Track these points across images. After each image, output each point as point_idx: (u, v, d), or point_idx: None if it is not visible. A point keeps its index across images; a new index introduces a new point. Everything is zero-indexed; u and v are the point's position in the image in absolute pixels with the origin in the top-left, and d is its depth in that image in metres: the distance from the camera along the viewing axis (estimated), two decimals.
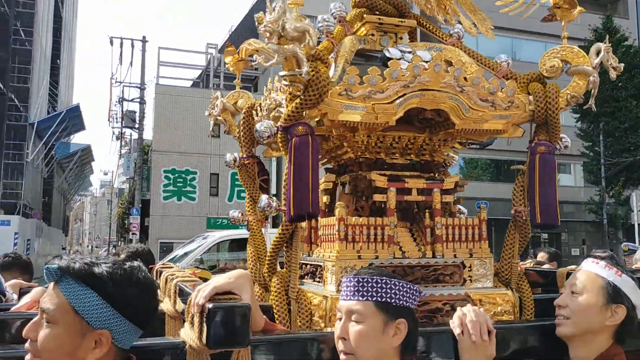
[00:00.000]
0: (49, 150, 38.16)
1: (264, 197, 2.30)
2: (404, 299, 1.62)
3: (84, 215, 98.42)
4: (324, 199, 2.56)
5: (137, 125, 32.39)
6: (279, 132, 2.14)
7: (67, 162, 42.89)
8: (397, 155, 2.58)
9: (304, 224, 2.51)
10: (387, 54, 2.48)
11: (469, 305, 1.80)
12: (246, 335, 1.38)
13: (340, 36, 2.54)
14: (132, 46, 30.53)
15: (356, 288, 1.60)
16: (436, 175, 2.60)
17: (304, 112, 2.11)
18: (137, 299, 1.34)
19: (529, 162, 2.42)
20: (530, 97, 2.43)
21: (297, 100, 2.09)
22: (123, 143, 38.75)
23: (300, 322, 2.23)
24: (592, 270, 1.93)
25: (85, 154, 43.70)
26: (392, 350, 1.60)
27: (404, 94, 2.24)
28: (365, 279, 1.61)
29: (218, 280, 1.54)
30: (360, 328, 1.57)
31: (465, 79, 2.32)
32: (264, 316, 1.72)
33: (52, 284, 1.34)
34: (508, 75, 2.58)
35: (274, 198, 2.32)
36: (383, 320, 1.59)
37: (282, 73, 2.04)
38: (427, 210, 2.48)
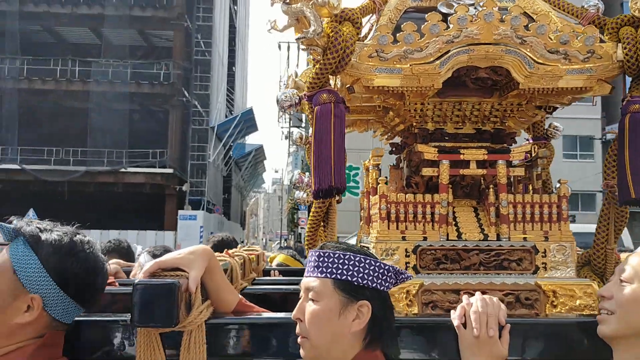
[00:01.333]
0: (227, 150, 41.44)
1: (295, 173, 2.15)
2: (369, 278, 1.37)
3: (258, 210, 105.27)
4: (374, 174, 2.34)
5: (303, 125, 33.84)
6: (306, 102, 1.98)
7: (242, 161, 46.24)
8: (459, 124, 2.27)
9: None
10: (443, 10, 2.19)
11: (479, 293, 1.49)
12: (171, 314, 1.26)
13: None
14: (298, 50, 31.95)
15: (316, 263, 1.39)
16: (501, 146, 2.23)
17: (326, 78, 1.93)
18: (76, 272, 1.30)
19: (619, 124, 1.98)
20: (620, 45, 1.98)
21: (317, 66, 1.91)
22: (291, 142, 40.77)
23: None
24: None
25: (259, 153, 46.74)
26: (351, 337, 1.36)
27: (448, 51, 1.94)
28: (327, 254, 1.38)
29: (165, 256, 1.44)
30: (315, 308, 1.36)
31: (527, 27, 1.95)
32: (240, 296, 1.58)
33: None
34: (595, 21, 2.13)
35: (307, 173, 2.16)
36: (341, 301, 1.36)
37: (297, 36, 1.87)
38: (491, 187, 2.14)
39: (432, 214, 2.08)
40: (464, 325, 1.43)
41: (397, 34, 1.95)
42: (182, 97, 32.76)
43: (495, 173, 2.11)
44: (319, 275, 1.37)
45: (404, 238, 2.06)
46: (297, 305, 1.42)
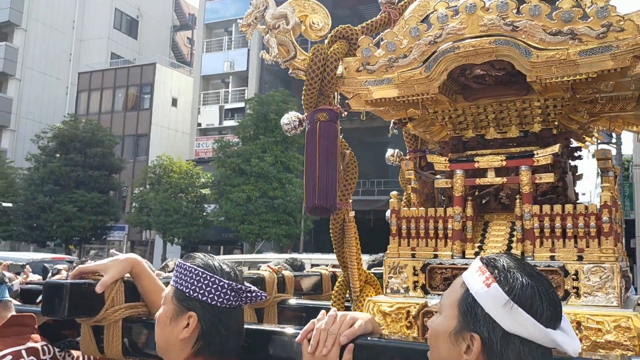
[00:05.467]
0: None
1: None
2: (200, 292, 1.41)
3: None
4: (409, 189, 2.20)
5: (614, 140, 30.46)
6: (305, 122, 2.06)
7: None
8: (501, 127, 2.02)
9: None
10: None
11: (334, 309, 1.35)
12: (59, 308, 1.50)
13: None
14: None
15: (175, 272, 1.47)
16: (528, 151, 1.89)
17: (314, 97, 1.98)
18: None
19: None
20: None
21: (304, 87, 1.98)
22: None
23: None
24: (463, 275, 1.16)
25: None
26: (180, 342, 1.40)
27: (434, 52, 1.80)
28: (180, 263, 1.45)
29: (90, 263, 1.69)
30: (159, 312, 1.45)
31: (517, 11, 1.69)
32: None
33: None
34: None
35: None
36: (174, 308, 1.42)
37: (280, 62, 1.99)
38: (517, 197, 1.85)
39: (445, 229, 1.91)
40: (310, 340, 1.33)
41: (381, 43, 1.90)
42: None
43: (517, 181, 1.83)
44: (172, 282, 1.47)
45: (413, 255, 1.94)
46: None
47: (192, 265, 1.43)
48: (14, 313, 1.87)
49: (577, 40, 1.62)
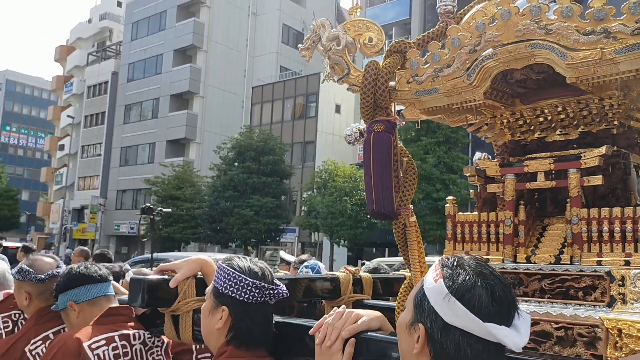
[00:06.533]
0: None
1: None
2: (230, 289, 1.60)
3: None
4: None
5: None
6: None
7: None
8: (553, 130, 1.98)
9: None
10: None
11: (344, 306, 1.46)
12: (141, 298, 1.82)
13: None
14: None
15: (215, 272, 1.68)
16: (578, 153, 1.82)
17: (370, 110, 2.11)
18: None
19: None
20: None
21: (360, 101, 2.12)
22: None
23: None
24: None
25: None
26: (216, 333, 1.62)
27: (475, 60, 1.85)
28: (218, 264, 1.66)
29: (170, 263, 1.97)
30: (203, 305, 1.67)
31: (551, 14, 1.67)
32: None
33: None
34: None
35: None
36: (211, 303, 1.64)
37: (336, 79, 2.15)
38: (566, 201, 1.81)
39: (497, 233, 1.93)
40: None
41: (426, 55, 1.98)
42: None
43: (566, 185, 1.80)
44: (213, 281, 1.69)
45: None
46: None
47: (225, 266, 1.66)
48: (115, 305, 2.26)
49: (612, 39, 1.57)
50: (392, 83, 2.09)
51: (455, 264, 1.18)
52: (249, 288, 1.61)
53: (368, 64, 2.09)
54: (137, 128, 42.61)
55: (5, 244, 17.64)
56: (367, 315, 1.48)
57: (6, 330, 2.70)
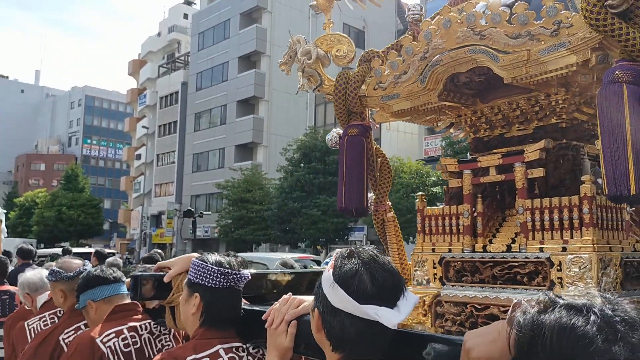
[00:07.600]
0: None
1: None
2: (200, 277, 1.81)
3: None
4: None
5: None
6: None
7: None
8: (510, 126, 2.09)
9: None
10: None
11: (289, 294, 1.64)
12: (136, 292, 2.08)
13: None
14: None
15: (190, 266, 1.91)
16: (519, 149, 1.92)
17: (344, 116, 2.29)
18: None
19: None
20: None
21: (334, 108, 2.31)
22: None
23: None
24: None
25: None
26: (192, 317, 1.84)
27: (426, 66, 2.00)
28: (192, 260, 1.89)
29: (167, 260, 2.21)
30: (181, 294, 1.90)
31: (481, 21, 1.81)
32: None
33: None
34: None
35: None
36: (187, 292, 1.85)
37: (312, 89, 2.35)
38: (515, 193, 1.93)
39: (458, 225, 2.07)
40: None
41: (387, 63, 2.14)
42: None
43: (513, 177, 1.92)
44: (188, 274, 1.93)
45: (433, 250, 2.13)
46: None
47: (196, 260, 1.91)
48: (124, 302, 2.55)
49: (535, 40, 1.70)
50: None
51: (346, 255, 1.36)
52: (215, 275, 1.84)
53: (339, 74, 2.28)
54: (207, 135, 44.06)
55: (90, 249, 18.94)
56: (308, 301, 1.68)
57: (53, 324, 3.08)
